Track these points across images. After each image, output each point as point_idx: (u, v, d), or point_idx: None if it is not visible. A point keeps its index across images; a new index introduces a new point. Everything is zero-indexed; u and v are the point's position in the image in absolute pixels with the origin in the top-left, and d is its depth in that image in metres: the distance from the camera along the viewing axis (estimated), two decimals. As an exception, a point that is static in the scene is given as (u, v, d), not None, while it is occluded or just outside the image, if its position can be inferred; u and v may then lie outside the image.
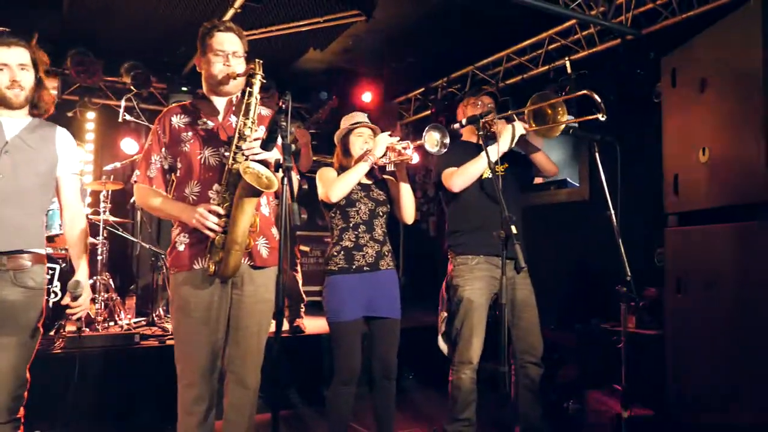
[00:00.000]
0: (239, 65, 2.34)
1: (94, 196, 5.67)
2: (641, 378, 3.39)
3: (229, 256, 2.20)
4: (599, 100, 2.63)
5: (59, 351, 3.66)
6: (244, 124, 2.23)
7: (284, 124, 2.00)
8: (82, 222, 2.39)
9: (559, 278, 5.32)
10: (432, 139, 2.60)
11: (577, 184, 5.58)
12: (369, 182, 2.91)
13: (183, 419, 2.26)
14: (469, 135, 3.22)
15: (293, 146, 4.63)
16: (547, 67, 5.05)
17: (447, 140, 2.62)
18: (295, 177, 2.54)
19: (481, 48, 5.52)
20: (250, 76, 2.23)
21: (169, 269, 2.39)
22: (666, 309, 3.24)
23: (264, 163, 2.29)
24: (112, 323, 4.55)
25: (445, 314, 3.15)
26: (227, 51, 2.32)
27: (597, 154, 2.72)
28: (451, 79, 6.02)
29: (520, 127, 2.83)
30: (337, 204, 2.81)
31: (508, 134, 2.84)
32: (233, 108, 2.40)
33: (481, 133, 2.80)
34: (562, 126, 2.87)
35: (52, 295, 3.89)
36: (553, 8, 4.11)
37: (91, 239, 4.57)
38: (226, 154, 2.26)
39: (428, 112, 6.39)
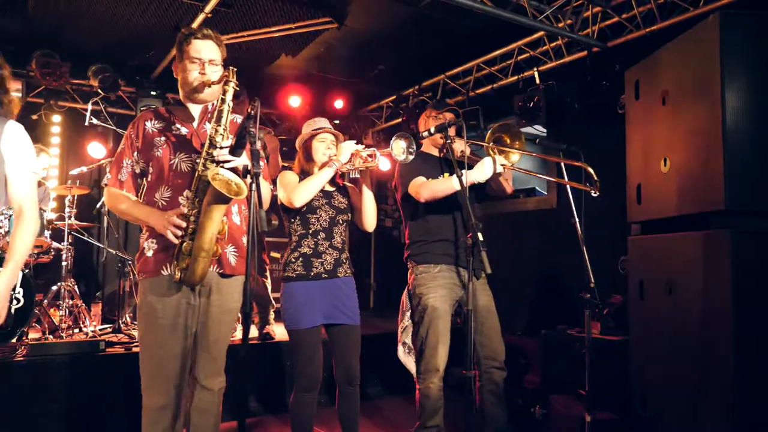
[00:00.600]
0: (215, 73, 2.33)
1: (59, 200, 5.56)
2: (606, 383, 3.47)
3: (196, 262, 2.18)
4: (596, 177, 2.67)
5: (22, 359, 3.57)
6: (216, 131, 2.23)
7: (253, 129, 2.00)
8: (29, 226, 2.04)
9: (527, 285, 5.41)
10: (399, 147, 2.63)
11: (545, 193, 5.69)
12: (331, 189, 2.91)
13: (147, 428, 2.23)
14: (428, 147, 3.27)
15: (261, 152, 4.60)
16: (516, 77, 5.14)
17: (413, 148, 2.65)
18: (267, 185, 2.54)
19: (452, 57, 5.60)
20: (224, 83, 2.23)
21: (137, 275, 2.37)
22: (630, 314, 3.32)
23: (235, 170, 2.29)
24: (77, 330, 4.45)
25: (405, 324, 3.18)
26: (203, 59, 2.32)
27: (563, 164, 2.78)
28: (422, 87, 6.08)
29: (498, 166, 2.82)
30: (298, 210, 2.80)
31: (487, 168, 2.82)
32: (208, 115, 2.40)
33: (445, 148, 2.83)
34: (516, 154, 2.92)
35: (14, 302, 3.79)
36: (523, 20, 4.19)
37: (55, 244, 4.48)
38: (198, 160, 2.25)
39: (399, 119, 6.44)
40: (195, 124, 2.40)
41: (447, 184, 2.89)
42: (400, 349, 3.22)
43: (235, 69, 2.25)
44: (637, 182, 3.25)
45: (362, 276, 7.68)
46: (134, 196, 2.37)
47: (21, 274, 3.83)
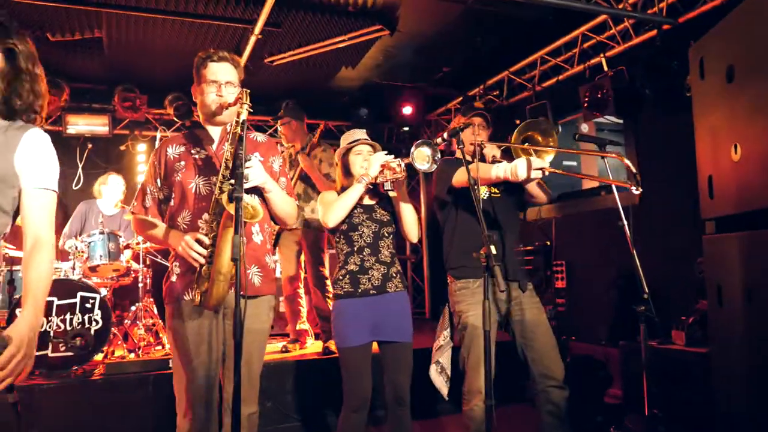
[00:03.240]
0: (232, 95, 2.33)
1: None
2: (691, 402, 3.08)
3: (213, 286, 2.17)
4: (634, 170, 2.40)
5: (98, 377, 3.80)
6: (231, 153, 2.22)
7: (241, 152, 1.96)
8: (45, 253, 1.66)
9: (611, 289, 4.97)
10: (422, 155, 2.48)
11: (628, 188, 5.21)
12: (372, 203, 2.83)
13: None
14: (460, 155, 3.08)
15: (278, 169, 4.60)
16: (582, 66, 4.76)
17: (438, 156, 2.49)
18: (290, 200, 2.51)
19: (514, 51, 5.31)
20: (239, 105, 2.22)
21: (164, 299, 2.41)
22: (709, 324, 2.92)
23: (256, 191, 2.29)
24: (159, 347, 4.68)
25: (441, 343, 3.00)
26: (220, 81, 2.34)
27: (606, 160, 2.49)
28: (487, 86, 5.83)
29: (533, 171, 2.57)
30: (339, 228, 2.75)
31: (521, 169, 2.57)
32: (228, 136, 2.40)
33: (464, 151, 2.66)
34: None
35: (93, 323, 4.06)
36: (580, 5, 3.87)
37: (134, 265, 4.75)
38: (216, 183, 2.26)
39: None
40: (214, 146, 2.41)
41: (488, 170, 2.67)
42: (433, 368, 3.04)
43: (248, 90, 2.24)
44: (707, 174, 2.85)
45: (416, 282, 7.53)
46: (160, 222, 2.41)
47: (98, 296, 4.09)
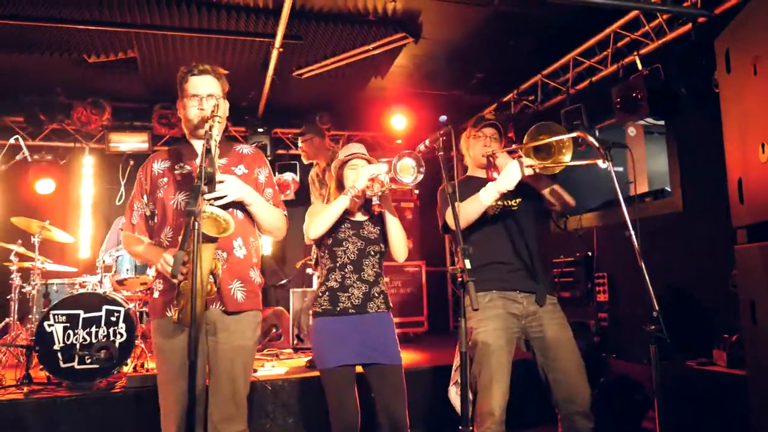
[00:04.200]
0: (215, 107, 2.30)
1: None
2: (729, 428, 2.78)
3: (188, 303, 2.13)
4: (596, 144, 2.21)
5: (118, 390, 3.85)
6: (205, 168, 2.17)
7: (206, 166, 1.91)
8: None
9: (644, 305, 4.61)
10: (406, 168, 2.35)
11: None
12: (363, 219, 2.70)
13: None
14: (474, 169, 2.91)
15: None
16: (615, 66, 4.48)
17: (423, 167, 2.35)
18: (277, 212, 2.46)
19: (546, 54, 5.08)
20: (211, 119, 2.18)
21: (149, 316, 2.40)
22: (744, 344, 2.63)
23: (239, 205, 2.27)
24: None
25: (458, 362, 2.82)
26: (201, 94, 2.31)
27: (610, 164, 2.27)
28: (521, 91, 5.61)
29: (520, 168, 2.46)
30: (323, 242, 2.65)
31: (510, 172, 2.48)
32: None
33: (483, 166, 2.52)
34: (563, 163, 2.46)
35: (118, 336, 4.13)
36: (609, 2, 3.64)
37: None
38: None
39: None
40: (198, 161, 2.38)
41: (475, 202, 2.54)
42: (452, 389, 2.88)
43: (218, 103, 2.21)
44: (737, 176, 2.58)
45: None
46: (147, 238, 2.40)
47: (123, 309, 4.17)
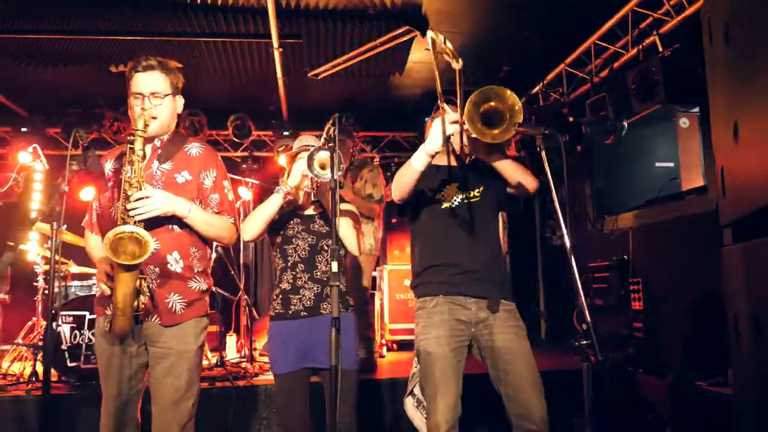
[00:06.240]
0: (160, 106, 2.24)
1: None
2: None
3: (115, 318, 2.12)
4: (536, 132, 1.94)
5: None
6: (129, 183, 2.10)
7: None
8: None
9: (690, 314, 4.11)
10: (321, 161, 2.19)
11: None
12: (313, 213, 2.57)
13: None
14: (440, 158, 2.66)
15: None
16: (635, 50, 4.04)
17: (342, 161, 2.18)
18: (224, 219, 2.38)
19: (566, 42, 4.70)
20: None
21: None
22: (732, 362, 2.22)
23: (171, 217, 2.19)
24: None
25: (414, 370, 2.61)
26: (143, 92, 2.22)
27: (544, 153, 1.98)
28: (547, 83, 5.23)
29: (448, 126, 2.21)
30: (274, 242, 2.55)
31: (433, 131, 2.24)
32: (158, 152, 2.31)
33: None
34: (512, 131, 2.18)
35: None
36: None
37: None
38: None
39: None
40: (143, 163, 2.32)
41: (408, 168, 2.31)
42: (408, 401, 2.66)
43: (145, 110, 2.17)
44: (721, 165, 2.18)
45: (528, 302, 6.84)
46: (101, 240, 2.34)
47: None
